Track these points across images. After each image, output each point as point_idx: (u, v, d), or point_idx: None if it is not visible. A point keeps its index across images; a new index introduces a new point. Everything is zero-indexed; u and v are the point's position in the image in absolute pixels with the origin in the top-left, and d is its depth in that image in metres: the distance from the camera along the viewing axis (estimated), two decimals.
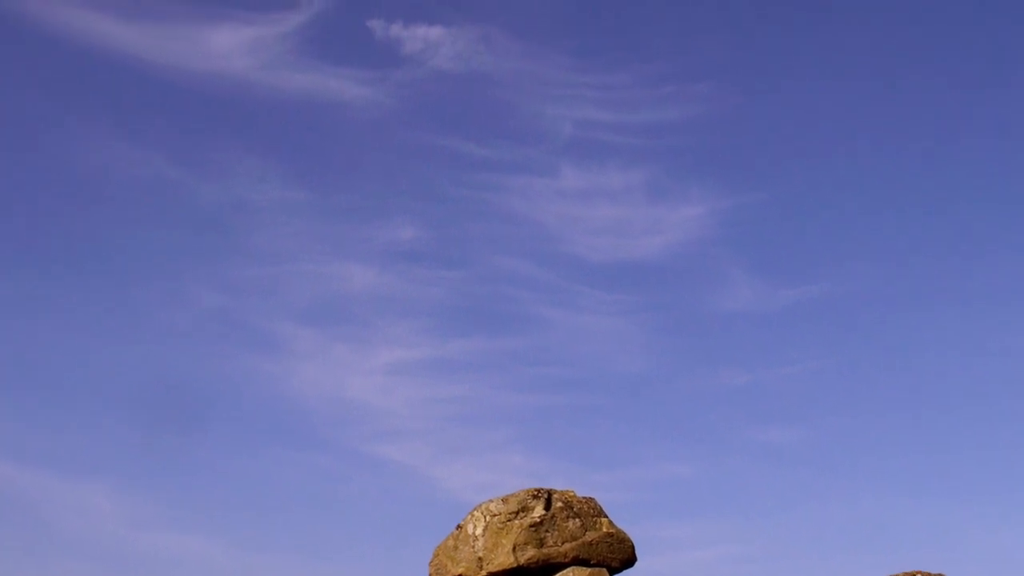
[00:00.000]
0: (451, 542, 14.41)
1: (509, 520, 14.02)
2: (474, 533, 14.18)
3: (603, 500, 14.57)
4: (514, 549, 13.91)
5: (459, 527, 14.38)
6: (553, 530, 14.03)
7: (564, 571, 14.02)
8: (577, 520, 14.16)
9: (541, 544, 13.96)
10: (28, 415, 42.56)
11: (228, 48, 47.08)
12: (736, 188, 50.69)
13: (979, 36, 50.98)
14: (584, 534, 14.15)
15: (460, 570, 14.20)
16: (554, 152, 49.73)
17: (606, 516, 14.41)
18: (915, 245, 50.18)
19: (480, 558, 14.06)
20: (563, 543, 14.05)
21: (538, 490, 14.29)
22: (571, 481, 15.31)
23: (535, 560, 13.91)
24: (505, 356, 47.32)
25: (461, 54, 48.40)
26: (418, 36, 47.88)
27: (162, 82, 48.50)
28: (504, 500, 14.21)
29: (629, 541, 14.43)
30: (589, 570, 14.04)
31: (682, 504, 42.36)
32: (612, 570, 14.24)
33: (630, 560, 14.40)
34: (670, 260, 49.43)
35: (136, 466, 41.57)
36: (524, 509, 14.09)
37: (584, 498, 14.46)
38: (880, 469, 43.84)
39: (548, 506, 14.16)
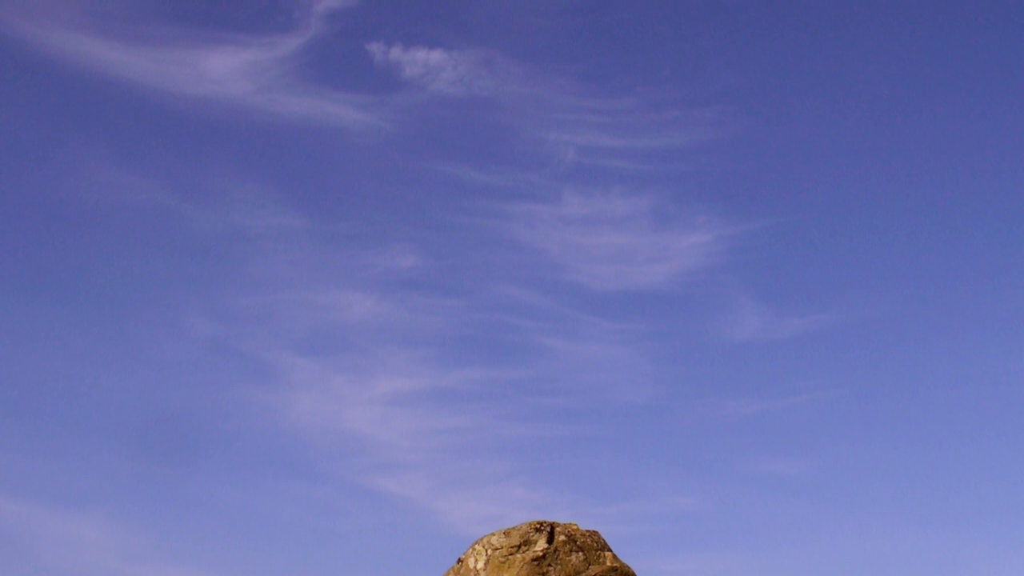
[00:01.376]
0: None
1: (511, 554, 13.91)
2: (475, 567, 14.04)
3: (607, 533, 14.50)
4: None
5: (460, 561, 14.25)
6: (556, 564, 13.91)
7: None
8: (580, 554, 14.06)
9: None
10: (18, 445, 42.20)
11: (224, 72, 47.12)
12: (743, 215, 50.68)
13: (990, 62, 51.16)
14: (587, 568, 14.03)
15: None
16: (557, 178, 49.72)
17: (610, 550, 14.32)
18: (925, 273, 50.13)
19: None
20: None
21: (540, 523, 14.20)
22: (574, 514, 15.16)
23: None
24: (507, 386, 47.09)
25: (462, 78, 48.44)
26: (418, 60, 47.94)
27: (157, 106, 48.52)
28: (506, 533, 14.12)
29: (633, 575, 14.30)
30: None
31: (688, 537, 41.96)
32: None
33: None
34: (676, 288, 49.32)
35: (129, 498, 41.19)
36: (526, 543, 13.98)
37: (587, 531, 14.38)
38: (890, 501, 43.51)
39: (551, 539, 14.07)
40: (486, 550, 14.09)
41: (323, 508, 42.83)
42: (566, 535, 14.15)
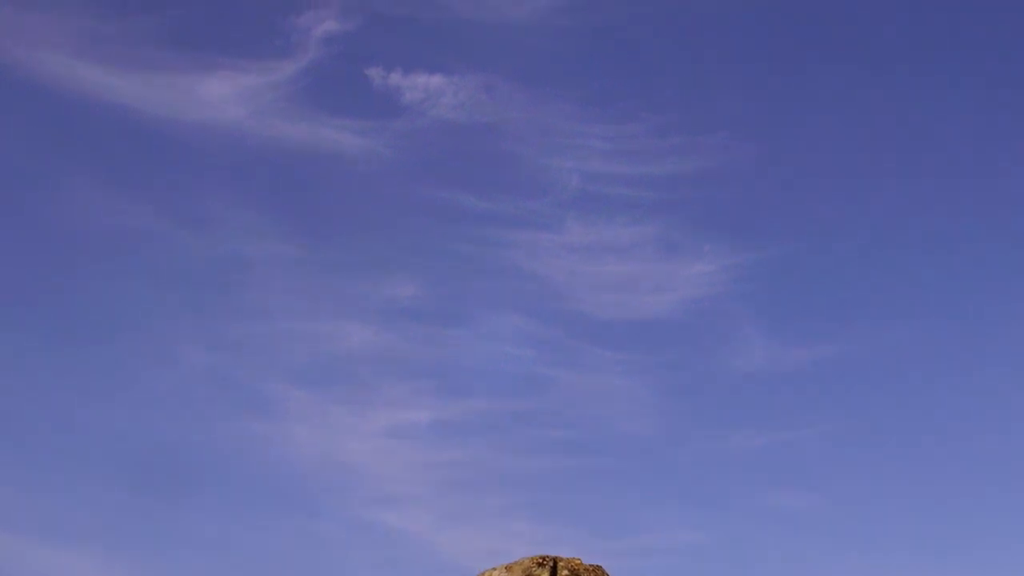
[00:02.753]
0: None
1: None
2: None
3: (611, 568, 14.22)
4: None
5: None
6: None
7: None
8: None
9: None
10: (9, 479, 41.82)
11: (220, 97, 47.11)
12: (749, 243, 50.55)
13: (999, 91, 51.24)
14: None
15: None
16: (560, 205, 49.64)
17: None
18: (933, 303, 49.94)
19: None
20: None
21: (543, 557, 13.91)
22: (578, 548, 14.88)
23: None
24: (509, 418, 46.74)
25: (463, 103, 48.44)
26: (418, 85, 47.96)
27: (153, 132, 48.52)
28: (508, 568, 13.81)
29: None
30: None
31: (694, 572, 41.52)
32: None
33: None
34: (681, 318, 49.13)
35: (125, 532, 40.83)
36: None
37: (591, 566, 14.08)
38: (899, 534, 43.09)
39: (553, 574, 13.77)
40: None
41: (321, 542, 42.46)
42: (569, 570, 13.86)
